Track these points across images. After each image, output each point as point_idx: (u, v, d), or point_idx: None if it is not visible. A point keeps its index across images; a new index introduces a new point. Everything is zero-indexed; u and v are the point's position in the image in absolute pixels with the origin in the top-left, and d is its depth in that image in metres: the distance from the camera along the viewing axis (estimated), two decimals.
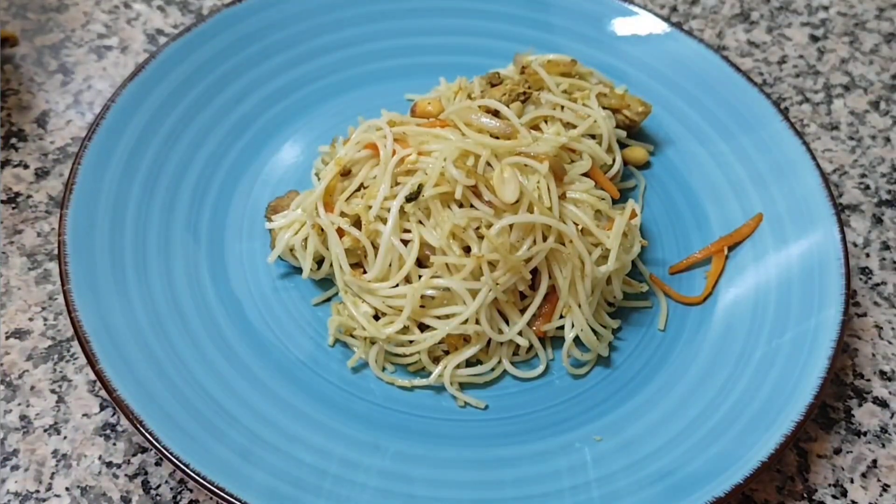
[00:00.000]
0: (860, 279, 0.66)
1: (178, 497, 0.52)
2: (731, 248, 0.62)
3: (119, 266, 0.55)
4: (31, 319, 0.59)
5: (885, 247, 0.68)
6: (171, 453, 0.47)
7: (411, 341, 0.56)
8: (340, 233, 0.57)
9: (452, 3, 0.72)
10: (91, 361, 0.50)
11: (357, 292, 0.57)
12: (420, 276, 0.56)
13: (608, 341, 0.58)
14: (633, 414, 0.55)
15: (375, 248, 0.56)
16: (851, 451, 0.57)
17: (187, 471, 0.47)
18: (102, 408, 0.55)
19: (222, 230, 0.61)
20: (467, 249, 0.55)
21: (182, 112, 0.63)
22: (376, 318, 0.57)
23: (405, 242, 0.56)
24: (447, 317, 0.56)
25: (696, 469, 0.51)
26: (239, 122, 0.65)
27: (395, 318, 0.56)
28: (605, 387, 0.57)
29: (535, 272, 0.56)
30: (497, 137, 0.57)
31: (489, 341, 0.56)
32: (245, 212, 0.62)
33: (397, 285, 0.56)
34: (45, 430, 0.54)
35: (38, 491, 0.52)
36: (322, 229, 0.57)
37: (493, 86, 0.62)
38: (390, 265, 0.56)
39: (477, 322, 0.55)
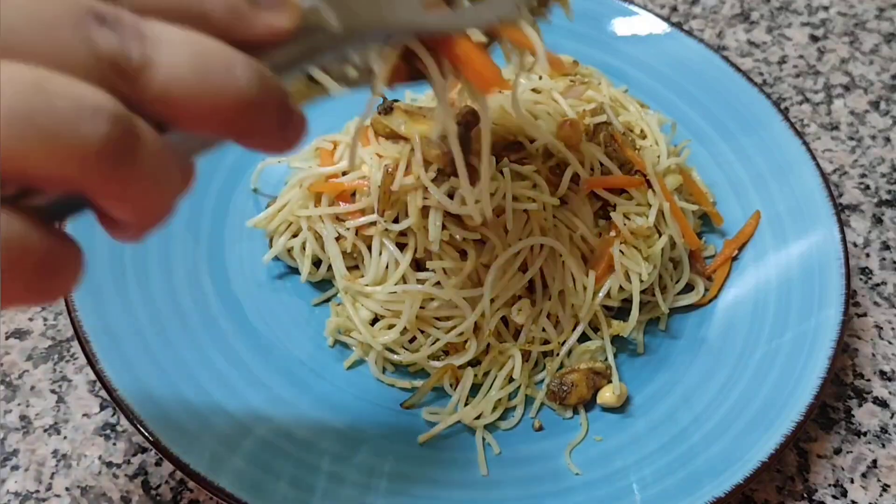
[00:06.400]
0: (860, 279, 0.66)
1: (179, 497, 0.52)
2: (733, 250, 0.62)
3: (119, 266, 0.55)
4: (30, 319, 0.59)
5: (886, 247, 0.68)
6: (170, 453, 0.47)
7: (407, 348, 0.56)
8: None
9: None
10: (91, 361, 0.50)
11: (355, 296, 0.57)
12: (418, 280, 0.56)
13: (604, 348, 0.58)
14: (632, 414, 0.55)
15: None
16: (851, 452, 0.57)
17: (187, 471, 0.47)
18: (102, 408, 0.55)
19: (222, 230, 0.61)
20: (464, 253, 0.55)
21: None
22: (376, 320, 0.57)
23: (401, 246, 0.56)
24: (447, 318, 0.56)
25: (696, 469, 0.51)
26: None
27: (393, 321, 0.56)
28: None
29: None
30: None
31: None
32: (245, 212, 0.62)
33: (395, 290, 0.56)
34: (45, 431, 0.54)
35: (37, 491, 0.52)
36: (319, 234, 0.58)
37: None
38: (387, 267, 0.56)
39: (477, 328, 0.55)
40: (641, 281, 0.56)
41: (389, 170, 0.54)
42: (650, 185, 0.58)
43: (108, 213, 0.30)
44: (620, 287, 0.56)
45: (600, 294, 0.56)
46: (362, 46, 0.39)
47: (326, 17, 0.36)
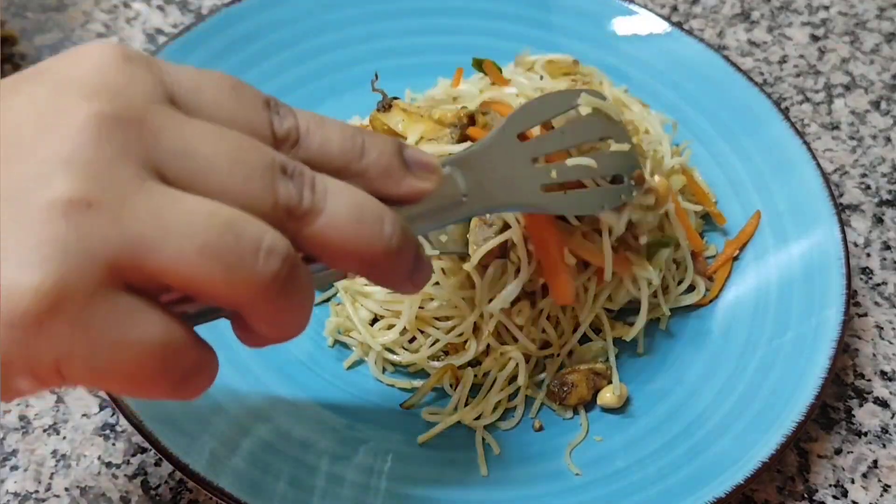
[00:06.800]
0: (861, 279, 0.65)
1: (178, 497, 0.52)
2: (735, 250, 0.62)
3: None
4: None
5: (886, 247, 0.68)
6: (170, 453, 0.47)
7: (407, 348, 0.56)
8: None
9: (452, 2, 0.72)
10: None
11: (354, 295, 0.57)
12: None
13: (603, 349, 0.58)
14: (632, 414, 0.55)
15: None
16: (852, 452, 0.57)
17: (187, 471, 0.47)
18: (102, 408, 0.55)
19: None
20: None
21: None
22: (376, 320, 0.57)
23: None
24: (447, 318, 0.56)
25: (697, 469, 0.51)
26: None
27: (393, 321, 0.56)
28: None
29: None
30: None
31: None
32: None
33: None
34: (45, 431, 0.54)
35: (37, 491, 0.52)
36: None
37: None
38: None
39: (476, 329, 0.55)
40: (650, 285, 0.56)
41: None
42: None
43: (247, 325, 0.34)
44: None
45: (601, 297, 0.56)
46: (479, 214, 0.45)
47: (458, 185, 0.41)
